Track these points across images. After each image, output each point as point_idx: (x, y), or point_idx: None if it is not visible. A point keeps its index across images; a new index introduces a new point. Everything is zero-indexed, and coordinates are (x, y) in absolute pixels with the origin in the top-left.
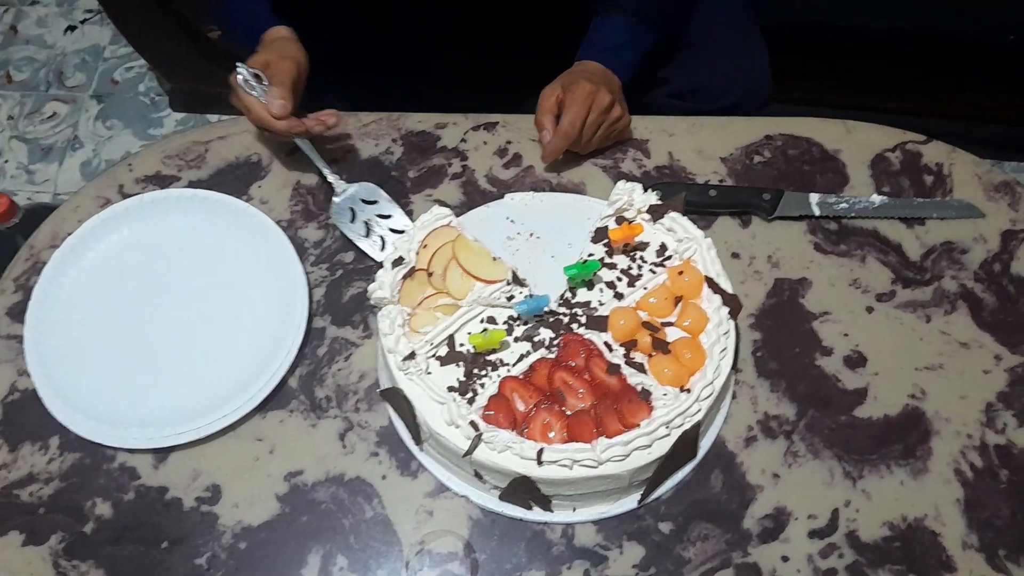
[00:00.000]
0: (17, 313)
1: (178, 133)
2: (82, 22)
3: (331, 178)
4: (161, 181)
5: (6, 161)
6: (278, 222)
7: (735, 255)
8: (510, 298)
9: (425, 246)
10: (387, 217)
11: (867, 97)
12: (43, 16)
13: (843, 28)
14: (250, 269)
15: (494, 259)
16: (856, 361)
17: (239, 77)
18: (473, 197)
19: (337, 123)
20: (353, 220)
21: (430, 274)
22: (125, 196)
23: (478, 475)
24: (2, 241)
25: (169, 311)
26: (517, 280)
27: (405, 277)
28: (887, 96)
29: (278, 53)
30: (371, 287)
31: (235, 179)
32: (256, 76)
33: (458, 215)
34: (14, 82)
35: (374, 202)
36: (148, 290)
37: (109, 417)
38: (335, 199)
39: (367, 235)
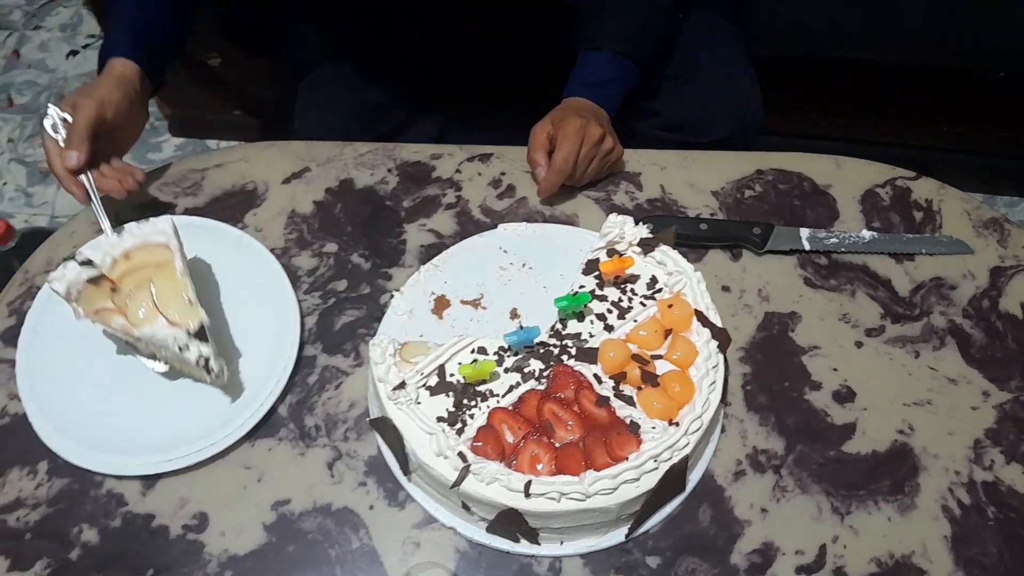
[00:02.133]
0: (10, 337)
1: (175, 161)
2: (84, 47)
3: (105, 226)
4: (157, 208)
5: (4, 183)
6: (272, 250)
7: (725, 288)
8: (182, 349)
9: (128, 257)
10: None
11: (859, 129)
12: (45, 41)
13: (835, 61)
14: (243, 296)
15: (191, 303)
16: (845, 396)
17: (47, 121)
18: (467, 227)
19: (136, 185)
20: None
21: (114, 289)
22: (121, 223)
23: (466, 507)
24: None
25: None
26: (201, 334)
27: (90, 281)
28: (879, 128)
29: (88, 92)
30: (52, 275)
31: (231, 207)
32: (65, 120)
33: (452, 244)
34: (15, 105)
35: None
36: None
37: (98, 443)
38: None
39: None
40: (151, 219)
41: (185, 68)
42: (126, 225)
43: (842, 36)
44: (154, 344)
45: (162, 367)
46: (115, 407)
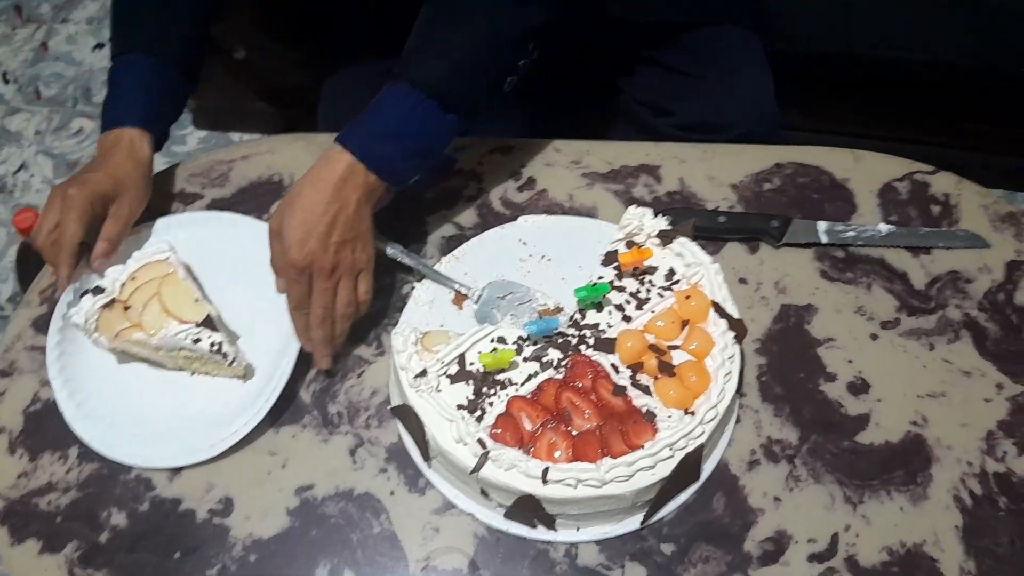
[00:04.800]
0: (42, 325)
1: (202, 152)
2: (110, 40)
3: (463, 290)
4: (184, 199)
5: (32, 175)
6: None
7: (743, 280)
8: (196, 341)
9: (133, 279)
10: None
11: (877, 126)
12: (73, 34)
13: (853, 57)
14: (266, 286)
15: (196, 300)
16: (859, 387)
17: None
18: (487, 219)
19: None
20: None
21: (127, 307)
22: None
23: (484, 492)
24: (29, 254)
25: None
26: (208, 323)
27: (104, 307)
28: (897, 125)
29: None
30: (71, 311)
31: (257, 198)
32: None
33: (472, 236)
34: (42, 98)
35: (508, 294)
36: None
37: (125, 430)
38: (473, 306)
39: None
40: (148, 241)
41: (212, 61)
42: (135, 253)
43: (860, 33)
44: (170, 346)
45: None
46: (141, 392)
